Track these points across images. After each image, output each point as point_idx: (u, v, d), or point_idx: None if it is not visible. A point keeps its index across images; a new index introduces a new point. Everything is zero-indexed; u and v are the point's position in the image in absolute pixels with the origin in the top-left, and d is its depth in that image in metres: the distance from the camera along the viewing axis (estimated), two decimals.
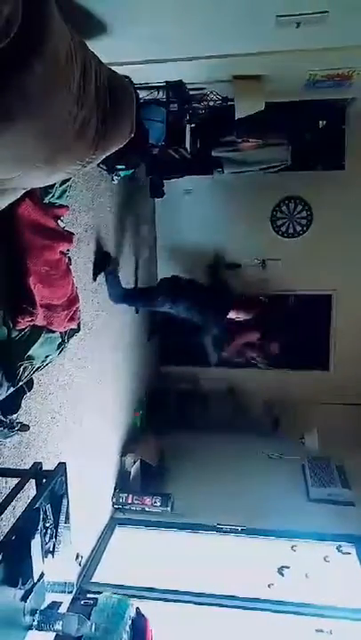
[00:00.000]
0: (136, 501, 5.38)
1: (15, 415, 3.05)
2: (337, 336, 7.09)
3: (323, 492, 5.61)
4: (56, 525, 2.45)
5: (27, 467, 3.11)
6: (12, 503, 2.38)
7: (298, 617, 4.15)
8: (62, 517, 2.52)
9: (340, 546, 4.90)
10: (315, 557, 4.79)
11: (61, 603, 2.48)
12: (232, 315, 5.37)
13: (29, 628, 2.18)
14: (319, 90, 4.58)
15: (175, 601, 4.33)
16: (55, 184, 2.56)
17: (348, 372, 6.91)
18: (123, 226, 5.60)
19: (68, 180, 2.66)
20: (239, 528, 5.09)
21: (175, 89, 4.26)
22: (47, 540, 2.37)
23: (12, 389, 2.50)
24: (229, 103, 4.56)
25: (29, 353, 2.52)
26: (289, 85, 4.49)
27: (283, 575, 4.59)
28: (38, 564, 2.26)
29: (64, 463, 2.67)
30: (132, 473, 5.60)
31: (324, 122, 5.94)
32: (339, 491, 5.60)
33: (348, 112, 5.91)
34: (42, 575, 2.28)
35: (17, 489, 2.43)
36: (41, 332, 2.58)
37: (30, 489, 2.61)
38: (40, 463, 2.68)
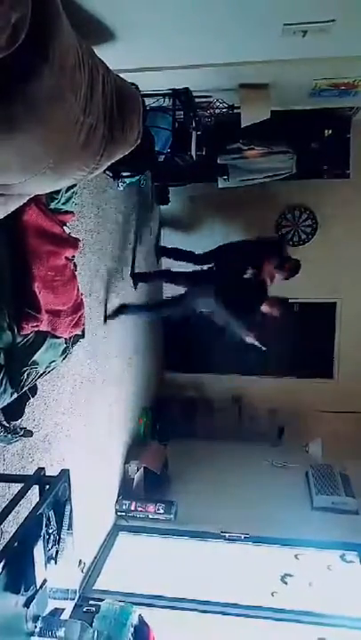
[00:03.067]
0: (139, 508, 5.36)
1: (19, 421, 3.05)
2: (342, 344, 7.08)
3: (327, 500, 5.58)
4: (59, 532, 2.44)
5: (30, 473, 3.11)
6: (15, 509, 2.38)
7: (301, 625, 4.13)
8: (65, 524, 2.51)
9: (343, 554, 4.87)
10: (318, 566, 4.77)
11: (64, 609, 2.47)
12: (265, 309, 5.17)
13: (31, 634, 2.17)
14: (325, 98, 4.60)
15: (178, 608, 4.31)
16: (61, 190, 2.57)
17: (352, 380, 6.89)
18: (128, 232, 5.61)
19: (73, 186, 2.67)
20: (243, 536, 5.07)
21: (181, 96, 4.28)
22: (50, 546, 2.36)
23: (15, 395, 2.50)
24: (235, 111, 4.58)
25: (34, 358, 2.52)
26: (295, 94, 4.50)
27: (286, 583, 4.56)
28: (41, 571, 2.25)
29: (67, 469, 2.66)
30: (135, 480, 5.59)
31: (330, 131, 5.95)
32: (343, 499, 5.58)
33: (353, 121, 5.92)
34: (44, 582, 2.27)
35: (20, 495, 2.42)
36: (45, 337, 2.58)
37: (33, 495, 2.60)
38: (43, 469, 2.67)
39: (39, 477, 2.59)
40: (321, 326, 7.11)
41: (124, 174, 3.97)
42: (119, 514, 5.39)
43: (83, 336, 3.10)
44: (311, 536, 5.02)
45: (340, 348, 7.10)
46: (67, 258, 2.71)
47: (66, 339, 2.81)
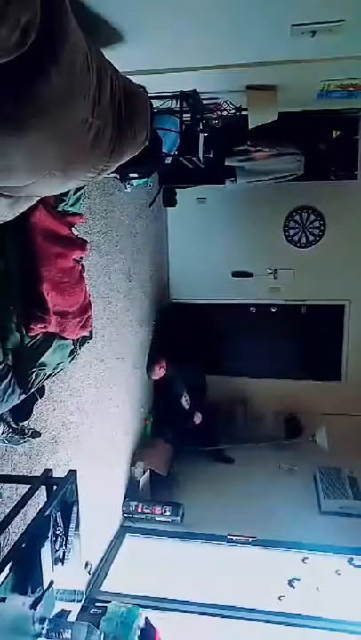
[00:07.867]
0: (146, 510, 5.35)
1: (26, 422, 3.06)
2: (350, 346, 7.05)
3: (334, 504, 5.56)
4: (66, 533, 2.45)
5: (37, 474, 3.11)
6: (23, 510, 2.38)
7: (308, 630, 4.11)
8: (72, 525, 2.52)
9: (351, 559, 4.84)
10: (326, 570, 4.74)
11: (70, 611, 2.47)
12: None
13: (38, 636, 2.17)
14: (333, 100, 4.58)
15: (185, 611, 4.30)
16: (69, 192, 2.58)
17: (360, 382, 6.86)
18: (135, 234, 5.61)
19: (82, 187, 2.67)
20: (250, 539, 5.05)
21: (189, 98, 4.28)
22: (57, 547, 2.36)
23: (23, 396, 2.50)
24: (243, 113, 4.58)
25: (41, 360, 2.52)
26: (303, 95, 4.49)
27: (293, 587, 4.54)
28: (48, 572, 2.25)
29: (75, 471, 2.67)
30: (141, 482, 5.59)
31: (338, 132, 5.94)
32: (351, 503, 5.55)
33: None
34: (51, 583, 2.28)
35: (27, 496, 2.43)
36: (53, 339, 2.58)
37: (41, 496, 2.60)
38: (51, 470, 2.68)
39: (46, 479, 2.60)
40: (329, 328, 7.07)
41: (132, 176, 3.98)
42: (126, 515, 5.39)
43: (90, 337, 3.11)
44: (319, 540, 5.00)
45: (348, 351, 7.06)
46: (75, 259, 2.71)
47: (74, 340, 2.81)
